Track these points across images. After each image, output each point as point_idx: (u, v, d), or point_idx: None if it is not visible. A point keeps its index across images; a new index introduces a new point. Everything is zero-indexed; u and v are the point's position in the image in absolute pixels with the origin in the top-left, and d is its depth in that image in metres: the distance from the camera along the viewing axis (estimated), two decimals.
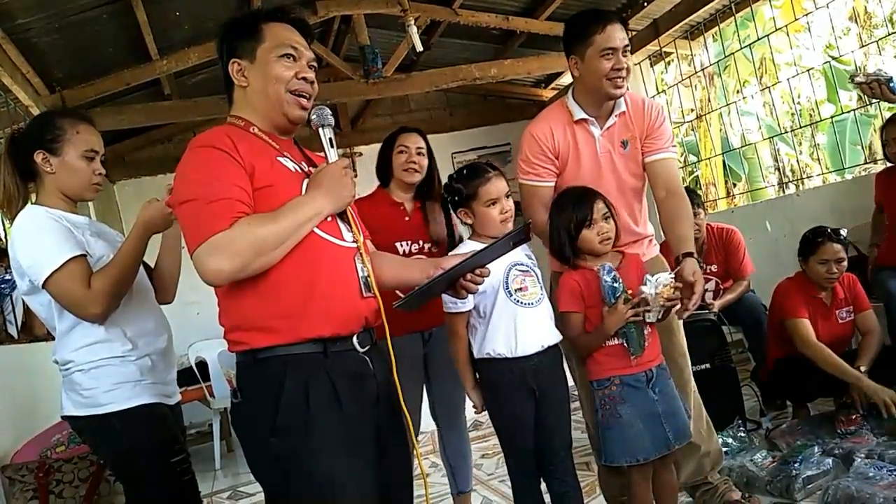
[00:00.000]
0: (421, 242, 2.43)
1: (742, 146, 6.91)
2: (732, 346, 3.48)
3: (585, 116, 2.19)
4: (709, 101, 7.21)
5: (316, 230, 1.37)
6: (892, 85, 2.56)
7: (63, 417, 1.79)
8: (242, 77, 1.46)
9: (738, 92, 6.93)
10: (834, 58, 6.48)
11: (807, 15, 4.83)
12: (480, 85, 6.13)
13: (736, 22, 5.11)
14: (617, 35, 2.09)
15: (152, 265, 1.98)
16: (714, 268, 3.71)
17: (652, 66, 5.83)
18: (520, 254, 1.96)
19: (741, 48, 5.36)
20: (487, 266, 1.48)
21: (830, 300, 3.03)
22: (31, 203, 1.81)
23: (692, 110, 7.01)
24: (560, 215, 2.04)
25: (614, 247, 2.06)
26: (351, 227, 1.46)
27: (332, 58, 5.20)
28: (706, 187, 8.12)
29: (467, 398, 2.10)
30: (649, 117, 2.24)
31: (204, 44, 4.48)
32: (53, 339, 1.80)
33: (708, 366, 3.08)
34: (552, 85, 6.77)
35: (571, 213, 2.00)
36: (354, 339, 1.40)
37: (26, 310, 3.39)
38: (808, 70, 5.22)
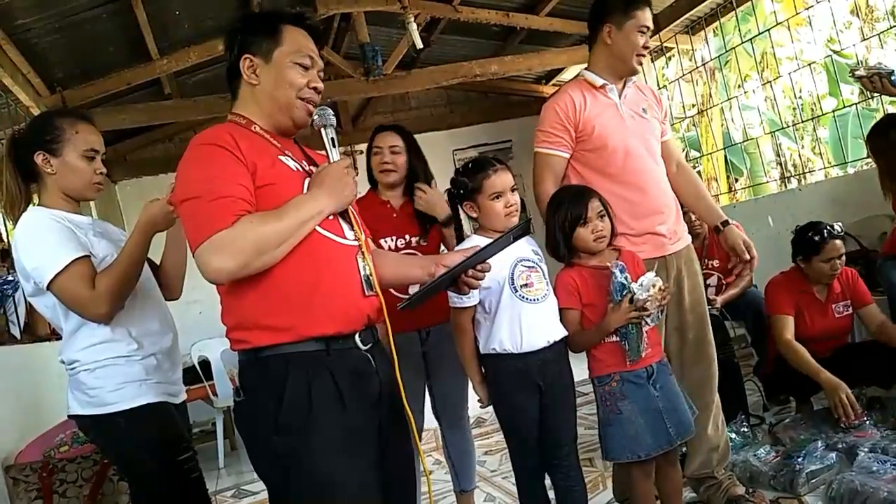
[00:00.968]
0: (407, 237, 2.42)
1: (744, 141, 6.90)
2: (735, 342, 3.48)
3: (605, 82, 2.27)
4: (710, 95, 7.20)
5: (318, 229, 1.37)
6: (893, 78, 2.55)
7: (69, 416, 1.80)
8: (254, 74, 1.46)
9: (739, 87, 6.92)
10: (835, 51, 6.47)
11: (808, 9, 4.81)
12: (481, 82, 6.13)
13: (737, 16, 5.10)
14: (650, 16, 2.26)
15: (157, 262, 1.99)
16: (716, 263, 3.70)
17: (653, 61, 5.82)
18: (526, 249, 1.97)
19: (742, 43, 5.35)
20: (489, 262, 1.48)
21: (825, 295, 3.03)
22: (34, 205, 1.82)
23: (693, 105, 7.00)
24: (555, 213, 2.04)
25: (610, 245, 2.05)
26: (353, 226, 1.46)
27: (333, 56, 5.19)
28: (708, 182, 8.09)
29: (471, 395, 2.10)
30: (662, 102, 2.43)
31: (204, 43, 4.48)
32: (57, 338, 1.81)
33: None
34: (553, 81, 6.76)
35: (566, 212, 2.01)
36: (357, 337, 1.40)
37: (29, 310, 3.40)
38: (809, 64, 5.21)
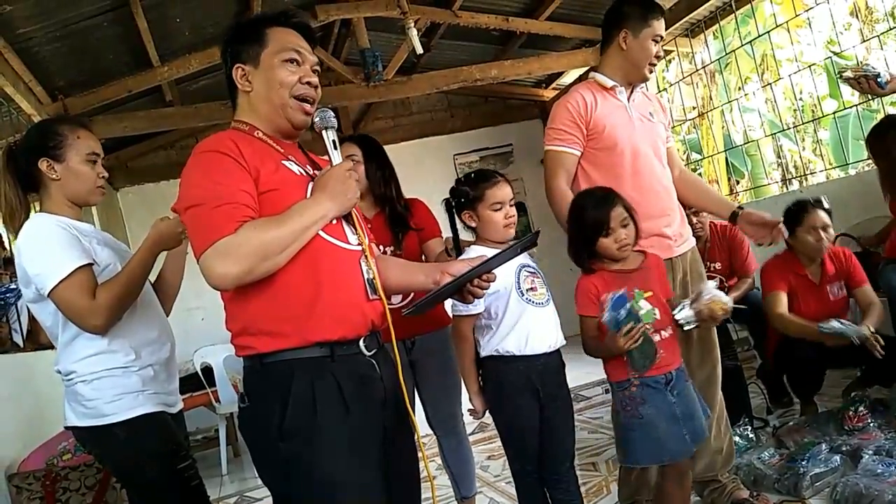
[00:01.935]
0: (381, 247, 2.39)
1: (744, 143, 6.89)
2: (738, 344, 3.47)
3: (615, 84, 2.29)
4: (710, 98, 7.20)
5: (321, 233, 1.37)
6: (879, 80, 2.54)
7: (66, 428, 1.79)
8: (247, 82, 1.46)
9: (739, 89, 6.92)
10: (835, 53, 6.47)
11: (807, 10, 4.82)
12: (481, 86, 6.13)
13: (736, 19, 5.10)
14: (664, 27, 2.30)
15: (153, 279, 1.97)
16: (718, 265, 3.70)
17: None
18: (525, 256, 1.99)
19: (742, 45, 5.35)
20: (494, 272, 1.48)
21: (819, 276, 3.04)
22: (35, 212, 1.82)
23: (694, 108, 7.00)
24: (577, 221, 1.99)
25: (635, 246, 2.01)
26: (356, 230, 1.46)
27: (333, 62, 5.21)
28: (709, 185, 8.10)
29: (465, 402, 2.09)
30: (666, 109, 2.47)
31: (204, 50, 4.49)
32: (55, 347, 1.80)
33: None
34: (553, 85, 6.78)
35: (588, 221, 1.96)
36: (361, 342, 1.40)
37: (31, 318, 3.40)
38: (809, 66, 5.21)
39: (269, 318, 1.34)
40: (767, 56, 7.11)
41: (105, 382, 1.71)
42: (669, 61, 6.36)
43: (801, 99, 7.80)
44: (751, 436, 2.86)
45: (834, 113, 5.87)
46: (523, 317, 1.92)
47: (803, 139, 8.69)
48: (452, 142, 6.84)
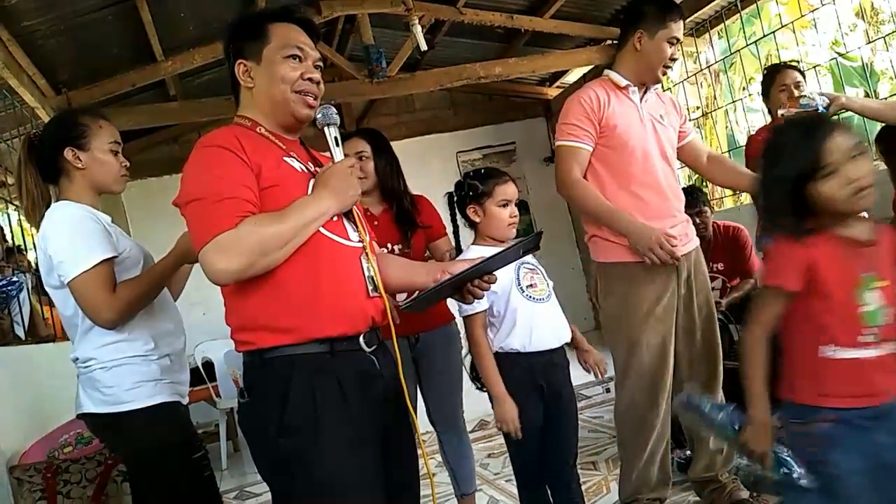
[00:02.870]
0: (391, 245, 2.41)
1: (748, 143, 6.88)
2: (740, 345, 3.46)
3: (629, 83, 2.28)
4: (714, 98, 7.19)
5: (322, 230, 1.37)
6: (819, 111, 2.52)
7: (80, 415, 1.80)
8: (249, 78, 1.46)
9: (743, 89, 6.90)
10: (840, 54, 6.44)
11: (813, 11, 4.81)
12: (485, 84, 6.12)
13: (741, 19, 5.08)
14: (682, 29, 2.28)
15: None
16: (721, 266, 3.69)
17: None
18: None
19: (747, 45, 5.33)
20: (495, 273, 1.47)
21: None
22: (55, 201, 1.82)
23: (698, 107, 6.99)
24: (775, 166, 1.42)
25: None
26: (357, 227, 1.46)
27: (337, 58, 5.20)
28: (712, 185, 8.09)
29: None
30: (679, 108, 2.48)
31: (209, 45, 4.48)
32: (58, 339, 1.81)
33: None
34: (557, 83, 6.76)
35: (795, 160, 1.38)
36: (361, 338, 1.40)
37: (32, 310, 3.41)
38: (814, 67, 5.20)
39: (269, 313, 1.34)
40: (772, 56, 7.07)
41: (124, 370, 1.73)
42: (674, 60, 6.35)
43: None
44: None
45: (838, 114, 5.85)
46: (525, 314, 1.92)
47: None
48: (455, 139, 6.82)
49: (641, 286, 2.21)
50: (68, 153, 1.77)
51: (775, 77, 3.02)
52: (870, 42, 6.33)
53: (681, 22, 2.26)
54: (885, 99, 4.83)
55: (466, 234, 2.10)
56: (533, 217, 6.81)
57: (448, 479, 2.60)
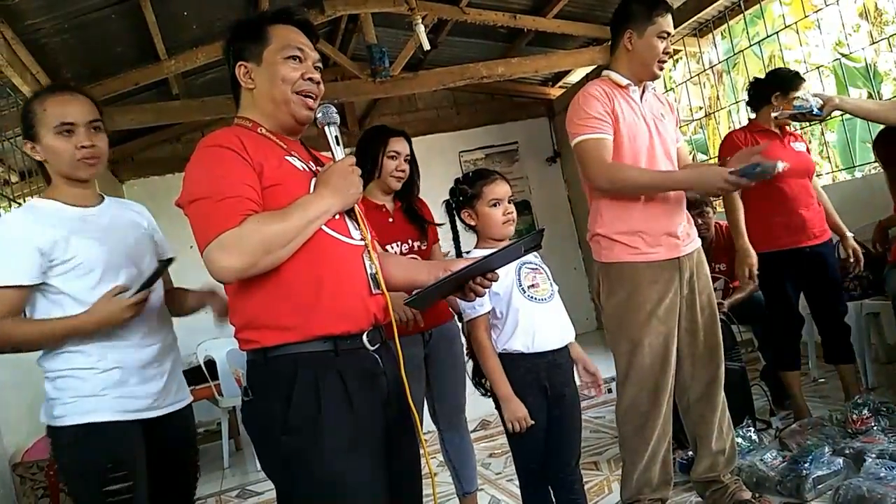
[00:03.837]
0: (410, 241, 2.44)
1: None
2: (742, 346, 3.46)
3: (630, 83, 2.28)
4: (717, 98, 7.17)
5: (324, 228, 1.38)
6: (814, 112, 2.51)
7: None
8: (249, 79, 1.47)
9: (747, 89, 6.88)
10: (844, 55, 6.43)
11: (817, 12, 4.80)
12: (488, 83, 6.12)
13: (745, 19, 5.09)
14: (671, 22, 2.26)
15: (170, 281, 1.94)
16: (723, 266, 3.69)
17: None
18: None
19: (750, 45, 5.33)
20: (497, 272, 1.47)
21: (780, 131, 3.10)
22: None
23: (701, 108, 6.97)
24: None
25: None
26: (359, 225, 1.47)
27: (340, 57, 5.20)
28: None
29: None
30: (674, 109, 2.45)
31: (212, 44, 4.49)
32: None
33: None
34: (560, 83, 6.75)
35: None
36: (364, 336, 1.40)
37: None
38: (817, 67, 5.19)
39: (273, 312, 1.35)
40: (776, 57, 7.07)
41: (67, 382, 1.62)
42: (677, 61, 6.33)
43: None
44: (753, 437, 2.85)
45: (841, 115, 5.83)
46: (527, 314, 1.92)
47: (810, 141, 8.64)
48: (458, 139, 6.83)
49: (644, 286, 2.20)
50: (27, 147, 1.66)
51: (800, 86, 2.97)
52: (873, 43, 6.32)
53: (668, 15, 2.24)
54: (887, 100, 4.81)
55: (467, 240, 2.10)
56: (535, 217, 6.81)
57: (449, 478, 2.61)
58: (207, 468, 4.19)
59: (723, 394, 2.37)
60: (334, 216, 1.40)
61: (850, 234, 3.12)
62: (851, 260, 3.15)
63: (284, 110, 1.46)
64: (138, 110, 4.86)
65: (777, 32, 5.16)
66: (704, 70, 5.63)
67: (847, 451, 2.53)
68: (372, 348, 1.41)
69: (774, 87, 3.10)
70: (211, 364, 4.52)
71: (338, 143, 1.47)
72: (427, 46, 4.53)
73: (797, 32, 5.13)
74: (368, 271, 1.42)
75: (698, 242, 2.38)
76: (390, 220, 2.45)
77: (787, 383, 3.18)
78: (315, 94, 1.48)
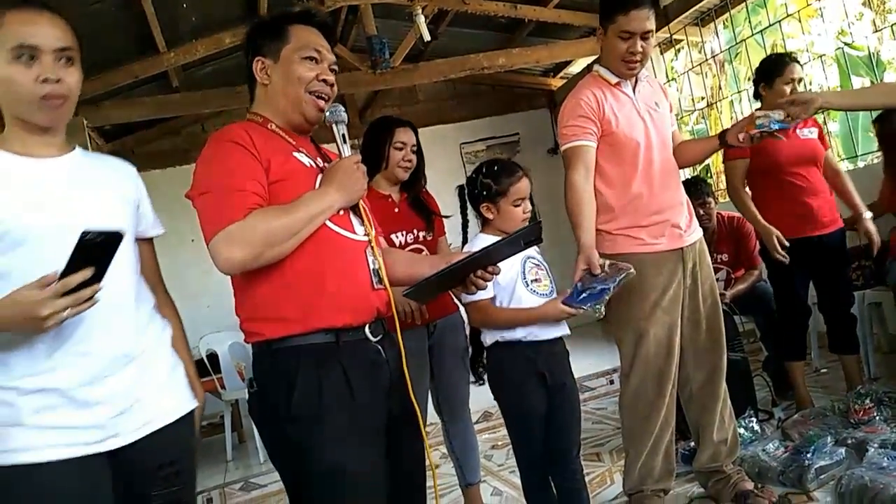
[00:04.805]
0: (416, 231, 2.45)
1: None
2: (744, 336, 3.46)
3: (619, 79, 2.26)
4: (720, 88, 7.14)
5: (328, 224, 1.41)
6: (781, 126, 2.46)
7: None
8: (265, 75, 1.50)
9: (749, 79, 6.85)
10: (847, 44, 6.39)
11: (819, 0, 4.76)
12: (489, 74, 6.10)
13: (747, 8, 5.05)
14: (638, 20, 2.14)
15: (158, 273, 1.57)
16: (725, 257, 3.69)
17: (662, 53, 5.78)
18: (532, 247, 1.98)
19: (752, 35, 5.30)
20: (498, 265, 1.48)
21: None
22: None
23: (703, 98, 6.95)
24: None
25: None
26: (363, 221, 1.49)
27: (340, 48, 5.18)
28: (717, 175, 8.05)
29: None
30: (667, 93, 2.42)
31: (211, 36, 4.48)
32: None
33: None
34: (561, 74, 6.73)
35: None
36: (367, 329, 1.43)
37: None
38: (820, 56, 5.17)
39: (276, 304, 1.37)
40: (778, 46, 7.03)
41: None
42: (678, 50, 6.31)
43: (811, 90, 7.71)
44: (756, 428, 2.85)
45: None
46: (529, 306, 1.94)
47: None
48: (459, 130, 6.81)
49: (647, 278, 2.20)
50: None
51: (783, 70, 2.98)
52: (876, 31, 6.29)
53: (634, 13, 2.13)
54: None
55: (474, 228, 2.10)
56: (536, 208, 6.79)
57: (451, 470, 2.62)
58: (210, 461, 4.20)
59: (725, 384, 2.37)
60: (339, 212, 1.43)
61: (867, 215, 3.05)
62: (865, 242, 3.10)
63: (296, 108, 1.49)
64: (138, 103, 4.85)
65: (779, 21, 5.13)
66: (706, 59, 5.60)
67: (849, 441, 2.53)
68: (374, 339, 1.44)
69: (759, 78, 3.08)
70: (213, 357, 4.53)
71: (345, 141, 1.50)
72: (427, 37, 4.51)
73: (800, 21, 5.11)
74: (371, 266, 1.45)
75: (700, 233, 2.37)
76: (396, 210, 2.45)
77: (791, 373, 3.17)
78: (328, 96, 1.51)
